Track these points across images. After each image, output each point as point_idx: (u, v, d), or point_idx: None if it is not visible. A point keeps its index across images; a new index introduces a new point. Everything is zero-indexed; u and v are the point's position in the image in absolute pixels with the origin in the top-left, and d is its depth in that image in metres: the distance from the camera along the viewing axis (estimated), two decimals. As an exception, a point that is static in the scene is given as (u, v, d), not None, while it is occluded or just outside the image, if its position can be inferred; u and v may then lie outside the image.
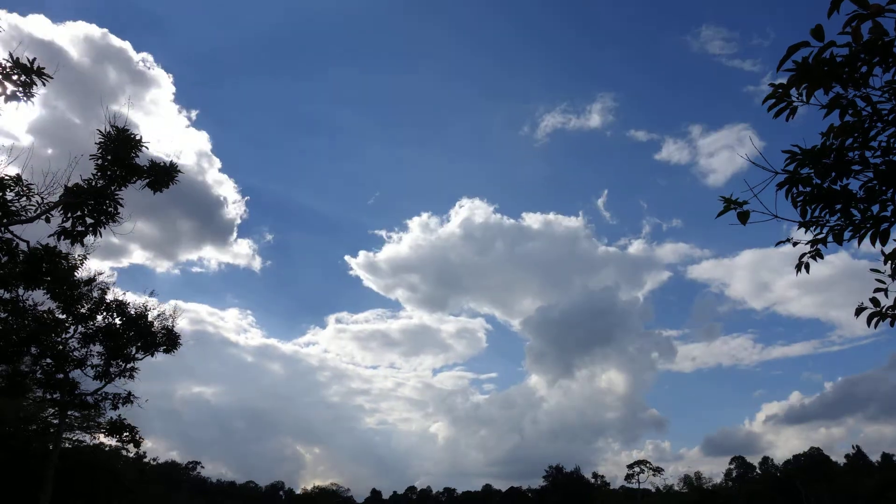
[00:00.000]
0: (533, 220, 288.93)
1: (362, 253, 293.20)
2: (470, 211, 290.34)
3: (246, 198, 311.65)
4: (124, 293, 32.14)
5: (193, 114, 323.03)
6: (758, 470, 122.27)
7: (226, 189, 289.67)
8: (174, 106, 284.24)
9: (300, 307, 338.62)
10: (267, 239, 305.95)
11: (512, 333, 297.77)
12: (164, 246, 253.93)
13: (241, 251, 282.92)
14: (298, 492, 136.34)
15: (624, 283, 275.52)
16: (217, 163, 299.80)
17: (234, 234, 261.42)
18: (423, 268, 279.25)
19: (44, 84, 11.04)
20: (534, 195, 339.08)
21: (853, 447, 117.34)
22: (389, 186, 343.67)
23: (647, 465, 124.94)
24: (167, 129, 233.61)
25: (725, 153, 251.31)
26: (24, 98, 10.99)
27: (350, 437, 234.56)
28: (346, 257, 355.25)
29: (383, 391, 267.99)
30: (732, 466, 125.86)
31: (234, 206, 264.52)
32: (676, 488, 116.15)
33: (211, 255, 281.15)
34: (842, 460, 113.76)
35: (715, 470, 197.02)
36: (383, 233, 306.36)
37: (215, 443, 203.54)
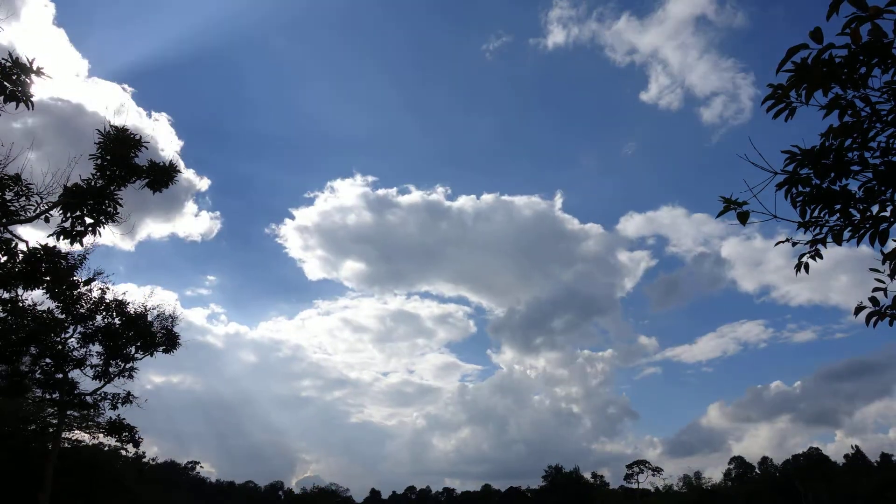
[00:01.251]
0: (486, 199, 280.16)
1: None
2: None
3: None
4: (124, 293, 32.15)
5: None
6: (757, 470, 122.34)
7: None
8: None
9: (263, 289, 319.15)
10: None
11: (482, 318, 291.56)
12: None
13: (193, 221, 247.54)
14: (294, 490, 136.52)
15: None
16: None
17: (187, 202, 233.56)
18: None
19: (42, 83, 11.03)
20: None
21: (852, 447, 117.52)
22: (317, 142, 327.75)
23: (647, 465, 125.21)
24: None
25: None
26: (23, 98, 10.99)
27: (324, 427, 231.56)
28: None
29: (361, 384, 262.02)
30: (731, 466, 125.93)
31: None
32: (676, 488, 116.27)
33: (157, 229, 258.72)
34: (841, 460, 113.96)
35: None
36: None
37: (190, 434, 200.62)
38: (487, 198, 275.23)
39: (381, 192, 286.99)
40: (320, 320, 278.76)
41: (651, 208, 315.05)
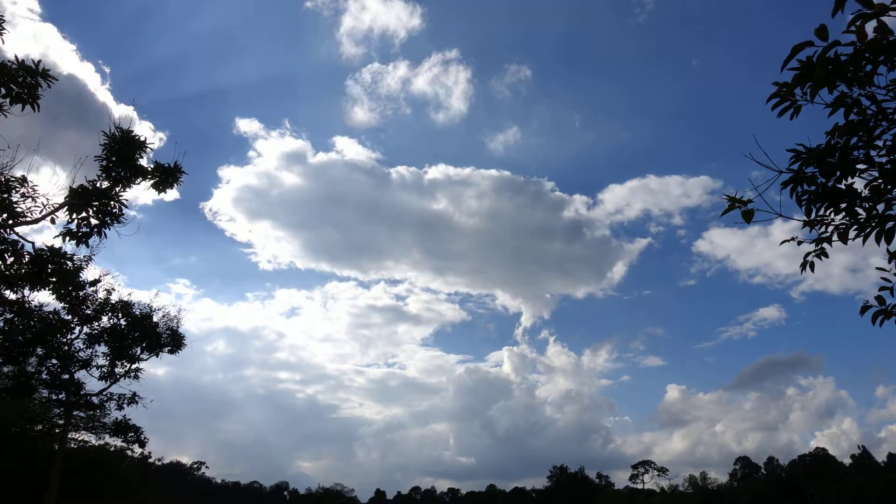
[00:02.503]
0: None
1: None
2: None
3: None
4: (129, 293, 32.28)
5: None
6: (763, 470, 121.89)
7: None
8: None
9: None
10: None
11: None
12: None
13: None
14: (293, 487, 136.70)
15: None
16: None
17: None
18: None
19: (49, 86, 11.09)
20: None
21: (859, 447, 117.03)
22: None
23: (652, 465, 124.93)
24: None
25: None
26: (29, 100, 11.05)
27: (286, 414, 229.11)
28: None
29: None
30: (738, 467, 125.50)
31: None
32: (681, 489, 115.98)
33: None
34: (847, 460, 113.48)
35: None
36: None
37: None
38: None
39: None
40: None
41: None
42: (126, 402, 33.36)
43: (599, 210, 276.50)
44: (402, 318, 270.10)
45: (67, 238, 12.93)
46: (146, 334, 31.61)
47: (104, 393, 33.17)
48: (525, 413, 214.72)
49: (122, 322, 31.53)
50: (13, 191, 13.32)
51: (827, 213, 5.67)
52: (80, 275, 27.25)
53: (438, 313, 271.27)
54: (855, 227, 5.62)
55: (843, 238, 5.69)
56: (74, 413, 34.77)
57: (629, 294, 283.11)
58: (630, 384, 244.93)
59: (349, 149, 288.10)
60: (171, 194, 14.94)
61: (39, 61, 10.83)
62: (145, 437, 36.22)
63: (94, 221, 12.95)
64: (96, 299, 30.92)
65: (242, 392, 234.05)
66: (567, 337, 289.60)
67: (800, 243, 5.95)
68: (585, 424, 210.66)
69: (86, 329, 31.43)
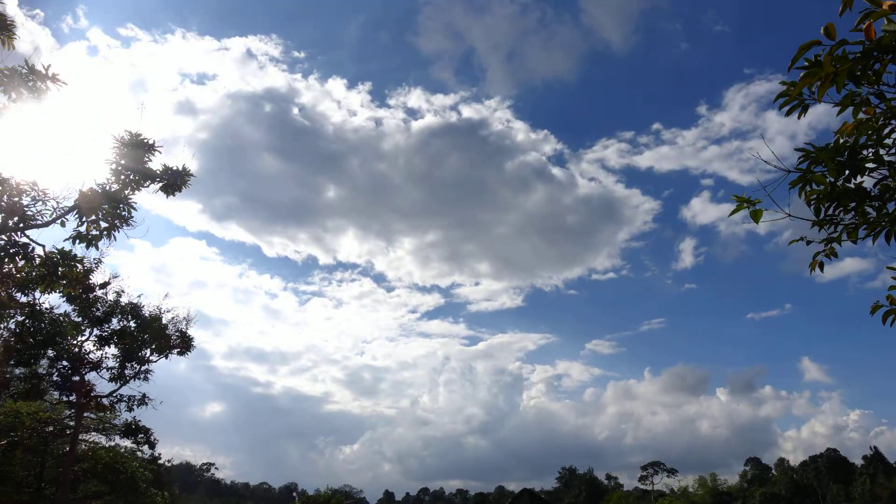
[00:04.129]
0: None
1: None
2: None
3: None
4: (139, 295, 32.47)
5: None
6: (773, 471, 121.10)
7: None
8: None
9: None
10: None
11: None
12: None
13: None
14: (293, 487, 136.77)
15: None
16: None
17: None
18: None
19: (58, 90, 11.18)
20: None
21: (871, 448, 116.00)
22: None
23: (662, 466, 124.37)
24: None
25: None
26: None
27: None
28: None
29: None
30: (748, 468, 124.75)
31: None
32: (691, 489, 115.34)
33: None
34: (859, 461, 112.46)
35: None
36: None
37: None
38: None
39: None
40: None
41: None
42: (136, 403, 33.58)
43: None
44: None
45: (77, 241, 13.02)
46: (155, 336, 31.79)
47: (114, 394, 33.41)
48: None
49: (132, 324, 31.73)
50: (23, 194, 13.44)
51: (836, 213, 5.64)
52: (90, 277, 27.44)
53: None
54: (864, 226, 5.58)
55: (853, 237, 5.66)
56: (85, 415, 35.02)
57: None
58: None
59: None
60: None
61: (49, 65, 10.93)
62: (155, 439, 36.48)
63: (103, 224, 13.04)
64: (106, 302, 31.13)
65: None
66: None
67: (808, 243, 5.92)
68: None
69: (96, 331, 31.65)
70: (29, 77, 10.69)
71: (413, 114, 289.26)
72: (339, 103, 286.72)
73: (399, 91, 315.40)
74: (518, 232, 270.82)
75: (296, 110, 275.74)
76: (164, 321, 32.22)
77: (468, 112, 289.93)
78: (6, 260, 13.44)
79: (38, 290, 15.81)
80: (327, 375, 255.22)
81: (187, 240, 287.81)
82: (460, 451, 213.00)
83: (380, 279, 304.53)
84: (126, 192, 13.26)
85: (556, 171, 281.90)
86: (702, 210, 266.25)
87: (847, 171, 5.39)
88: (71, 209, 13.04)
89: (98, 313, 31.13)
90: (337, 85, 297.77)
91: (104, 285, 30.85)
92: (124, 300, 31.63)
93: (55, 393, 35.32)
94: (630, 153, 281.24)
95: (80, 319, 30.66)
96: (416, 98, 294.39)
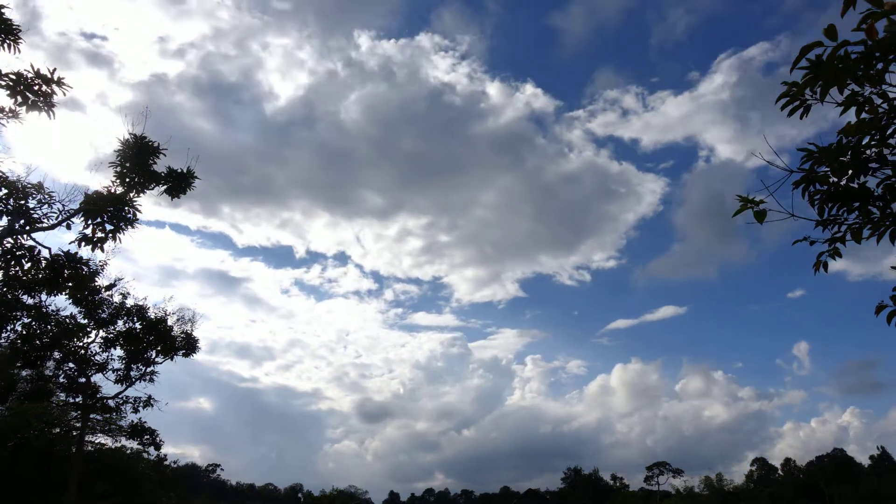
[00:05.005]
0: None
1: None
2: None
3: None
4: (144, 297, 32.60)
5: None
6: (780, 472, 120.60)
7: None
8: None
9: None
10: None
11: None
12: None
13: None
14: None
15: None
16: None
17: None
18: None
19: (64, 94, 11.25)
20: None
21: (878, 448, 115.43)
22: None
23: (667, 466, 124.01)
24: None
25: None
26: (45, 108, 11.22)
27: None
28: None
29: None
30: (754, 468, 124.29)
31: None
32: (697, 490, 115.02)
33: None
34: (866, 461, 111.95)
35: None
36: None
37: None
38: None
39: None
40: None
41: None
42: (141, 405, 33.70)
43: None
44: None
45: (83, 243, 13.10)
46: (161, 338, 31.89)
47: (120, 396, 33.55)
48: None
49: (138, 326, 31.84)
50: (30, 197, 13.53)
51: (840, 213, 5.63)
52: (96, 279, 27.57)
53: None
54: (868, 226, 5.57)
55: (857, 237, 5.65)
56: (91, 416, 35.19)
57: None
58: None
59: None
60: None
61: (55, 69, 11.01)
62: (161, 440, 36.60)
63: (108, 227, 13.11)
64: (112, 303, 31.25)
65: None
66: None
67: (812, 243, 5.91)
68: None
69: (102, 333, 31.78)
70: (35, 81, 10.77)
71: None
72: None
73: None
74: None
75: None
76: (169, 322, 32.33)
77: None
78: (13, 262, 13.52)
79: (44, 292, 15.88)
80: (314, 372, 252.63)
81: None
82: (442, 448, 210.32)
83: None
84: (131, 194, 13.33)
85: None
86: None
87: (850, 171, 5.38)
88: (76, 212, 13.12)
89: (104, 315, 31.25)
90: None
91: (110, 287, 30.98)
92: (130, 302, 31.76)
93: (61, 394, 35.50)
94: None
95: (86, 321, 30.78)
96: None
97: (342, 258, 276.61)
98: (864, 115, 5.12)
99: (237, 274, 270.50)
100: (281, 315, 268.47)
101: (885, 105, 5.06)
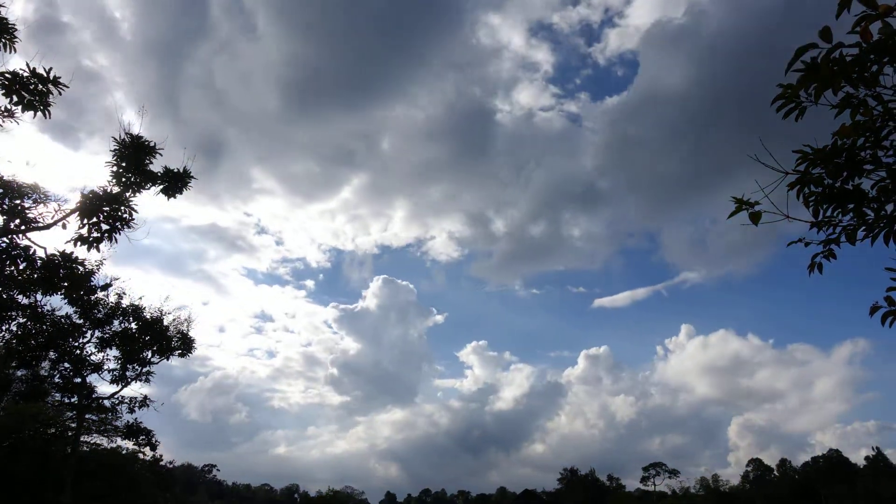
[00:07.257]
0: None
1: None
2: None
3: None
4: (140, 297, 32.52)
5: None
6: (775, 472, 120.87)
7: None
8: None
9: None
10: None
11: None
12: None
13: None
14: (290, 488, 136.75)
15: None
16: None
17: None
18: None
19: (59, 93, 11.22)
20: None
21: (873, 448, 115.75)
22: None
23: (663, 467, 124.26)
24: None
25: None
26: (41, 107, 11.19)
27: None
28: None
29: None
30: (750, 469, 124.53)
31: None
32: (693, 490, 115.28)
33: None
34: (862, 462, 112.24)
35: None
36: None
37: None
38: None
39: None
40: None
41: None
42: (137, 405, 33.62)
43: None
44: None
45: (79, 243, 13.06)
46: (157, 338, 31.83)
47: (116, 396, 33.45)
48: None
49: (133, 326, 31.77)
50: (25, 197, 13.49)
51: (834, 214, 5.65)
52: (92, 279, 27.51)
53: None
54: (863, 227, 5.59)
55: (852, 239, 5.67)
56: (87, 416, 35.08)
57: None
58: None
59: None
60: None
61: (51, 69, 10.97)
62: (156, 440, 36.49)
63: (104, 227, 13.07)
64: (107, 303, 31.18)
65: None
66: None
67: (807, 244, 5.93)
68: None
69: (97, 333, 31.71)
70: (31, 80, 10.74)
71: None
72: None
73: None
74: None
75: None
76: (165, 323, 32.26)
77: None
78: (8, 262, 13.49)
79: (39, 292, 15.84)
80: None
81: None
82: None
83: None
84: (127, 194, 13.31)
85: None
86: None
87: (845, 173, 5.40)
88: (72, 212, 13.09)
89: (99, 315, 31.17)
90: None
91: (105, 287, 30.90)
92: (125, 302, 31.68)
93: (57, 395, 35.38)
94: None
95: (81, 321, 30.70)
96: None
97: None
98: (858, 117, 5.15)
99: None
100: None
101: (879, 107, 5.09)
